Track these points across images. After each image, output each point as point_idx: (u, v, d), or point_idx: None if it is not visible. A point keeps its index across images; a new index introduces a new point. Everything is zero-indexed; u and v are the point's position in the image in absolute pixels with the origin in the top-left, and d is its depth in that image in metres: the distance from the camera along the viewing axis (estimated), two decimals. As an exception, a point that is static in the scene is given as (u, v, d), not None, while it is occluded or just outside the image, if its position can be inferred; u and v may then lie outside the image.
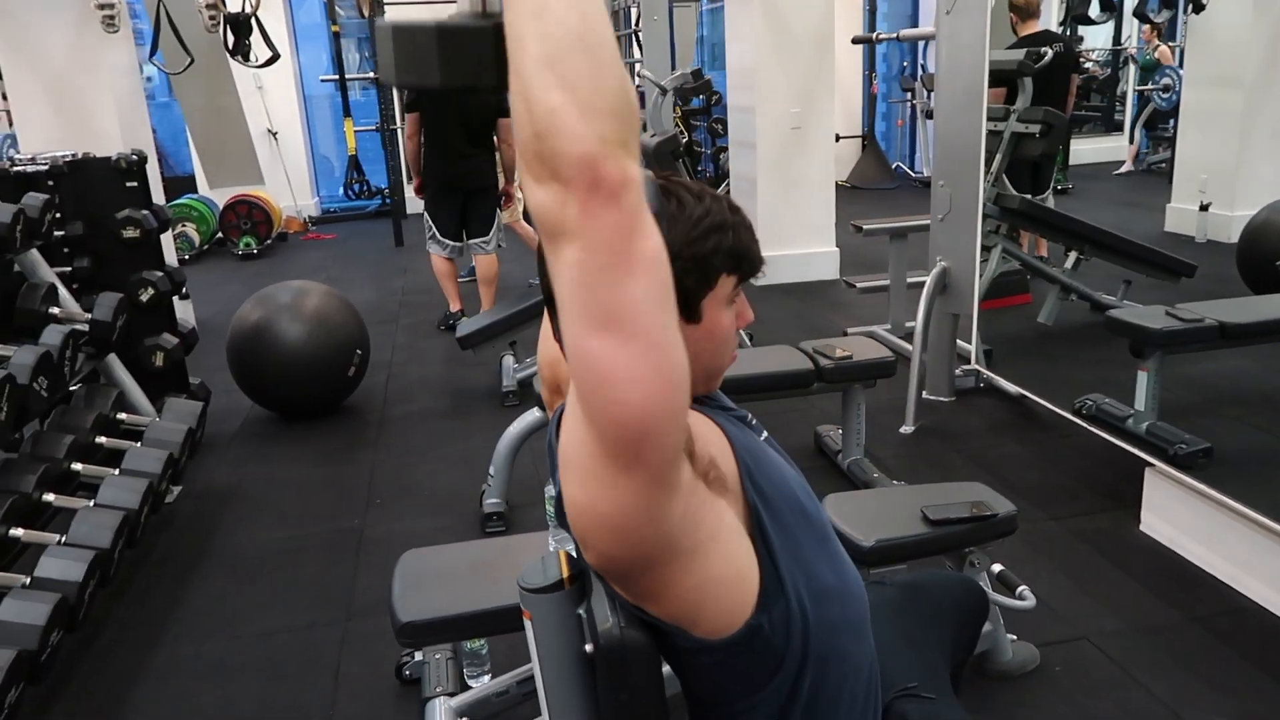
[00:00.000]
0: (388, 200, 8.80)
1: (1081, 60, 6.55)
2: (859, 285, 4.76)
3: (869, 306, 5.21)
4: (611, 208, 0.72)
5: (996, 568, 2.20)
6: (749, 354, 3.38)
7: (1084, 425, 3.12)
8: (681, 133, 7.47)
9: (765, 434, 1.15)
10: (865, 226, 4.66)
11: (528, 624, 1.10)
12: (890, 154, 10.46)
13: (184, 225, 8.04)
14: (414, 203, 6.57)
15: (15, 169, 3.40)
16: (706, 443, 0.97)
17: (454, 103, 4.77)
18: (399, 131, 9.40)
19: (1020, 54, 4.03)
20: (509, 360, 4.38)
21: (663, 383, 0.77)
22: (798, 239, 6.01)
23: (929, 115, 5.96)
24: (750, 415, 1.17)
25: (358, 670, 2.38)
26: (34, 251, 3.19)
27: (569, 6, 0.71)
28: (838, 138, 9.28)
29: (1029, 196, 4.40)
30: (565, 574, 1.08)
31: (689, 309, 1.00)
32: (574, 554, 1.09)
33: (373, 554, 2.93)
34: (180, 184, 9.06)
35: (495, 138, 5.01)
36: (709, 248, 0.99)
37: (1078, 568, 2.66)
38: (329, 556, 2.97)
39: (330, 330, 4.05)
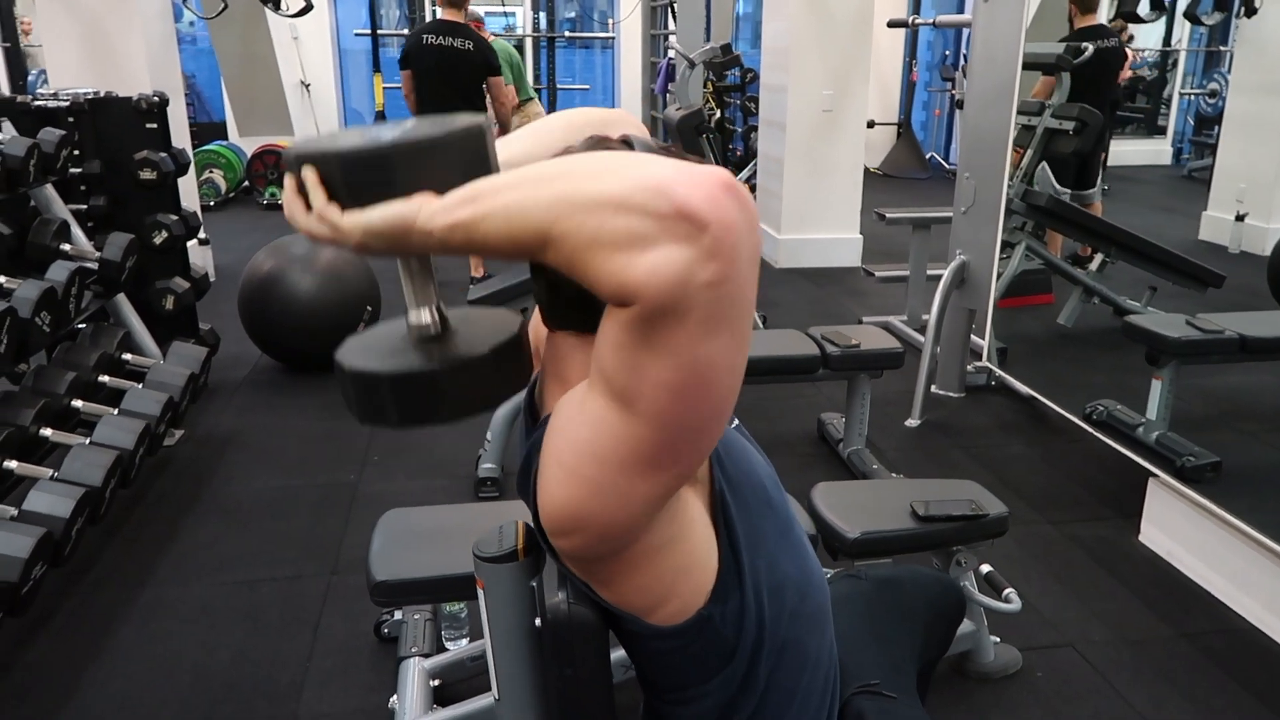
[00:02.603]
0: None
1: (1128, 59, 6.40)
2: (878, 274, 4.70)
3: (887, 296, 5.14)
4: (737, 196, 0.71)
5: (985, 568, 2.17)
6: (757, 336, 3.34)
7: (1093, 431, 3.06)
8: (712, 109, 7.38)
9: (736, 421, 1.12)
10: (889, 215, 4.59)
11: (480, 593, 1.08)
12: (925, 144, 10.32)
13: (211, 171, 8.07)
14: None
15: (36, 103, 3.39)
16: None
17: (444, 62, 4.77)
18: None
19: (1060, 47, 3.93)
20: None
21: (742, 374, 0.80)
22: (821, 224, 5.94)
23: (959, 105, 5.84)
24: None
25: (338, 625, 2.39)
26: (49, 187, 3.20)
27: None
28: (872, 124, 9.16)
29: (1069, 192, 4.29)
30: (520, 545, 1.05)
31: None
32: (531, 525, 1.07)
33: (364, 510, 2.93)
34: (212, 130, 9.09)
35: (488, 96, 4.99)
36: None
37: (1071, 574, 2.62)
38: (321, 510, 2.97)
39: (342, 284, 4.04)
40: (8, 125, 3.15)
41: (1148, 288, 4.12)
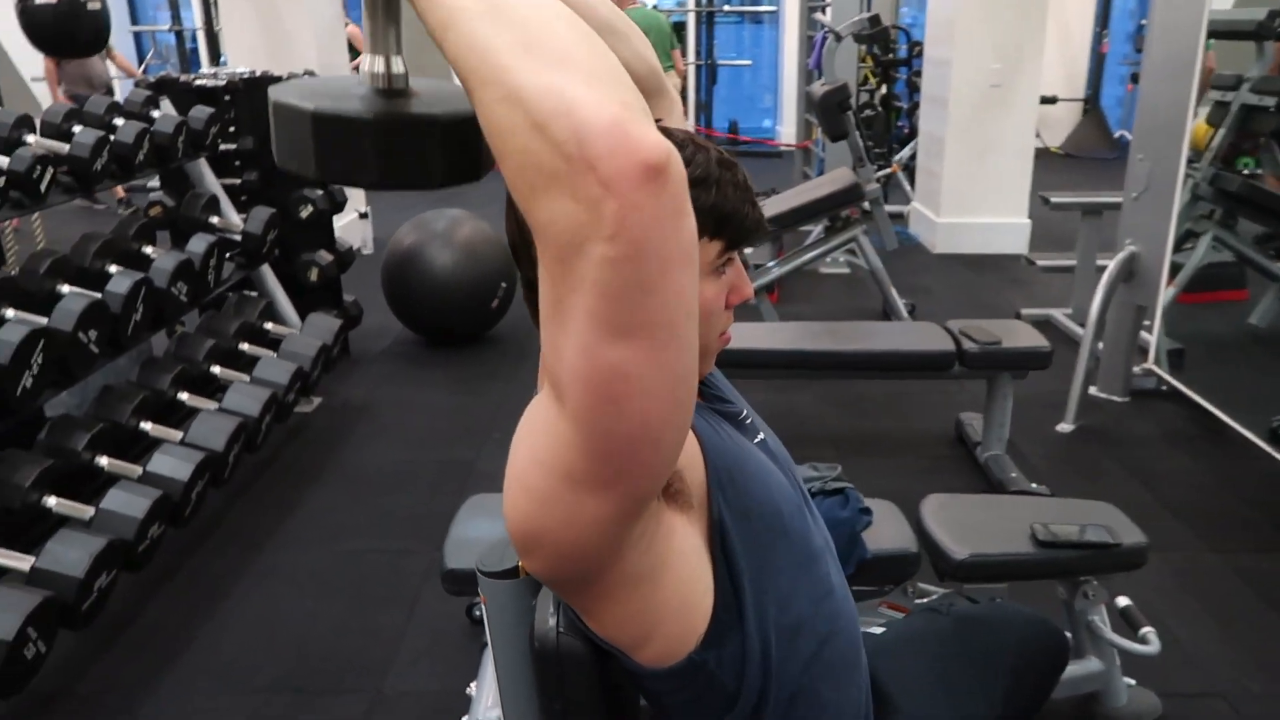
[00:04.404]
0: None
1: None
2: (1040, 263, 4.33)
3: (1051, 287, 4.75)
4: (660, 185, 0.58)
5: (1123, 601, 1.92)
6: (886, 329, 3.14)
7: (1276, 454, 2.69)
8: (876, 85, 7.02)
9: (762, 435, 0.99)
10: (1054, 199, 4.21)
11: (483, 608, 1.01)
12: (1115, 121, 9.51)
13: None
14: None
15: (197, 83, 3.57)
16: None
17: None
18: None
19: (1262, 13, 3.46)
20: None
21: (683, 392, 0.68)
22: (984, 207, 5.56)
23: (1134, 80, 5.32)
24: (746, 411, 1.01)
25: (434, 604, 2.39)
26: (201, 162, 3.36)
27: None
28: (1053, 99, 8.53)
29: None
30: (521, 561, 0.97)
31: None
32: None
33: (477, 488, 2.91)
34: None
35: None
36: None
37: (1231, 612, 2.31)
38: (437, 485, 3.00)
39: (478, 260, 4.08)
40: (166, 104, 3.33)
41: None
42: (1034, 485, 2.82)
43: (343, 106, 0.69)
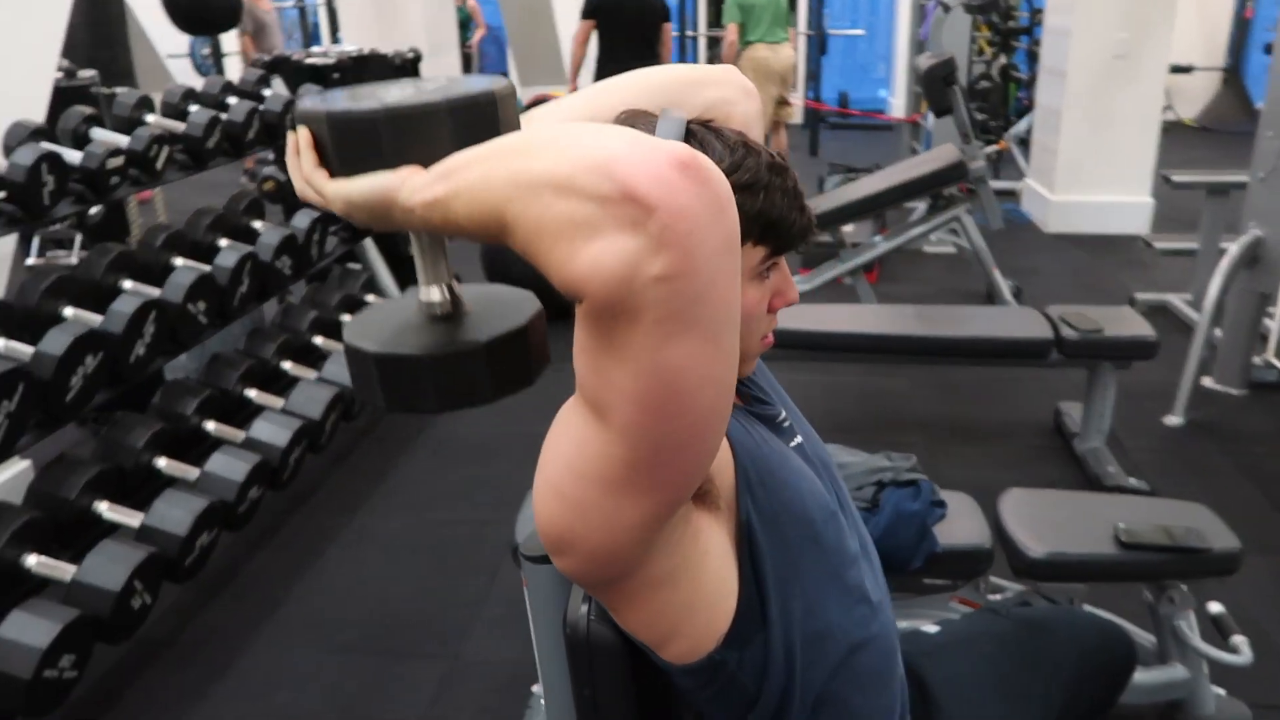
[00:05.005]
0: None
1: None
2: (1157, 245, 4.11)
3: (1171, 271, 4.51)
4: (694, 177, 0.61)
5: (1216, 608, 1.84)
6: (980, 313, 3.04)
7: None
8: (993, 55, 6.73)
9: (799, 439, 0.98)
10: (1175, 178, 3.98)
11: (525, 590, 1.04)
12: (1257, 93, 8.89)
13: (490, 120, 8.53)
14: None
15: (308, 61, 3.71)
16: None
17: (627, 12, 4.94)
18: (694, 39, 9.36)
19: None
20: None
21: (723, 396, 0.70)
22: (1102, 185, 5.30)
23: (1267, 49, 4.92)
24: (784, 414, 1.00)
25: (513, 574, 2.46)
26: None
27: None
28: (1189, 69, 8.05)
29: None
30: (560, 547, 0.99)
31: None
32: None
33: (561, 462, 3.00)
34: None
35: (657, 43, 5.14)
36: None
37: (1343, 625, 2.17)
38: (526, 457, 3.00)
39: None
40: (278, 82, 3.47)
41: None
42: (1132, 481, 2.70)
43: (400, 347, 0.75)
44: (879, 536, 1.71)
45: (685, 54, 9.16)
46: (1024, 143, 6.20)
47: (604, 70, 5.15)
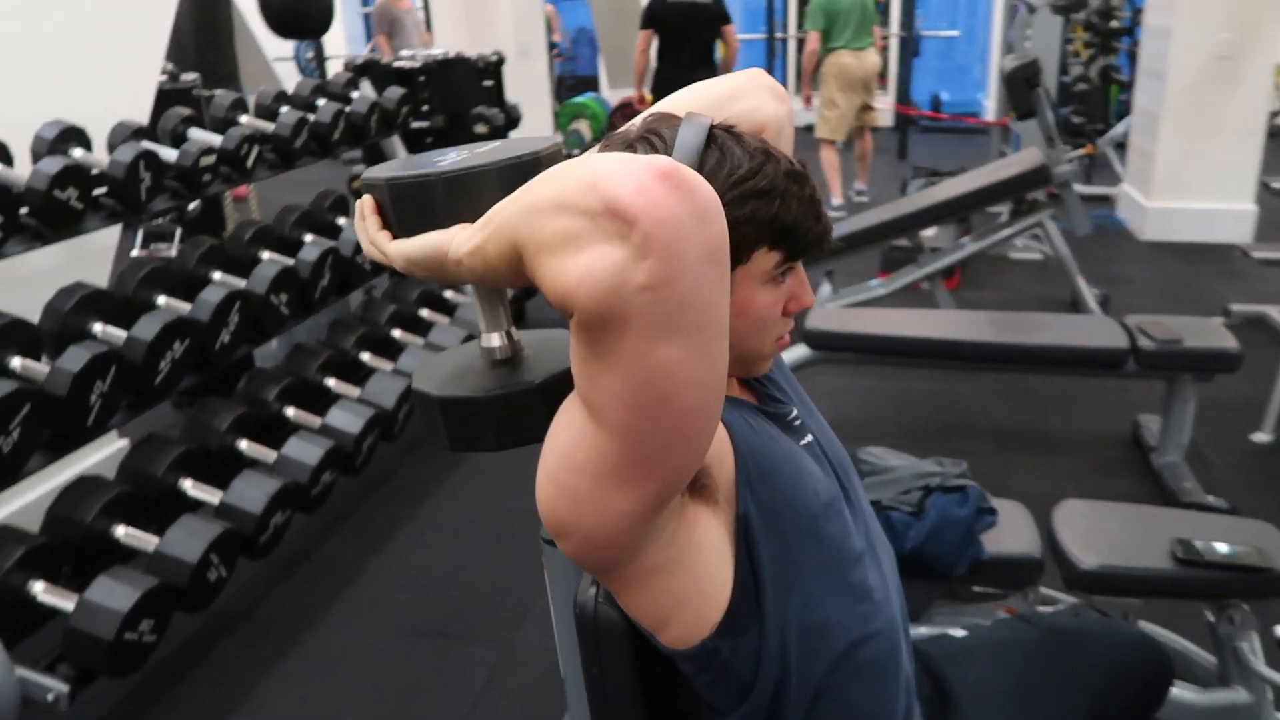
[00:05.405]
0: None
1: None
2: (1256, 255, 3.93)
3: (1272, 282, 4.31)
4: (675, 187, 0.65)
5: (1282, 630, 1.77)
6: (1053, 321, 2.97)
7: None
8: (1090, 57, 6.52)
9: (810, 438, 1.00)
10: (1276, 185, 3.81)
11: (545, 572, 1.08)
12: (1384, 94, 8.39)
13: (578, 122, 8.65)
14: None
15: (396, 64, 3.84)
16: None
17: (684, 20, 5.02)
18: (784, 42, 9.31)
19: None
20: (825, 288, 4.23)
21: (709, 398, 0.73)
22: (1201, 191, 5.09)
23: None
24: (797, 413, 1.01)
25: (570, 565, 2.52)
26: (395, 138, 3.62)
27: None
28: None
29: None
30: (578, 532, 1.03)
31: None
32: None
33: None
34: (587, 83, 9.76)
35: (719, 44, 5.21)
36: (743, 214, 0.86)
37: None
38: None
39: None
40: (366, 84, 3.61)
41: None
42: (1211, 498, 2.61)
43: (460, 390, 0.84)
44: (922, 541, 1.70)
45: (774, 57, 9.14)
46: (1121, 146, 5.99)
47: (663, 76, 5.23)
